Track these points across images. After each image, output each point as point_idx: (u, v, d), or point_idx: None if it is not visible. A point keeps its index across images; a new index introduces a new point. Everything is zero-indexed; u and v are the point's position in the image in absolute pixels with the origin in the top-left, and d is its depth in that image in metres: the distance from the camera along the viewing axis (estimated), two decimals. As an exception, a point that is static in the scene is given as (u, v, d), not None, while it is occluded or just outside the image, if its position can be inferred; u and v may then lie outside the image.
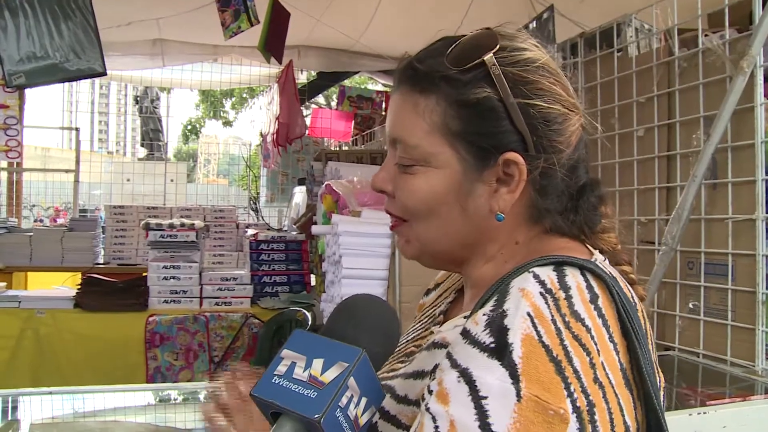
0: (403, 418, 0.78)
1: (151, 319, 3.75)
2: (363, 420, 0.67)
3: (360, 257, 2.35)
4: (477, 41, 0.79)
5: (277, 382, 0.66)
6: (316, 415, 0.62)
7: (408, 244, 0.85)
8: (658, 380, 0.75)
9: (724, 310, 1.90)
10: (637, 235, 2.21)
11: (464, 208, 0.80)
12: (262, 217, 6.66)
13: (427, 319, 0.98)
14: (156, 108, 12.07)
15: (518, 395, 0.61)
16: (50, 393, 1.80)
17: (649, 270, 2.00)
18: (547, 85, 0.79)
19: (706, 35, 1.97)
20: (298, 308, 3.77)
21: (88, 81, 7.33)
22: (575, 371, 0.63)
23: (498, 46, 0.77)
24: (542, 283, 0.67)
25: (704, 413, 1.47)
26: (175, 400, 2.12)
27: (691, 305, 2.02)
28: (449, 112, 0.78)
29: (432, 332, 0.91)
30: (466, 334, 0.67)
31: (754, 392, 1.66)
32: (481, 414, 0.61)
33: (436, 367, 0.74)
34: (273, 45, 4.12)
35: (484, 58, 0.76)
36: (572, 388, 0.63)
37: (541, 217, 0.81)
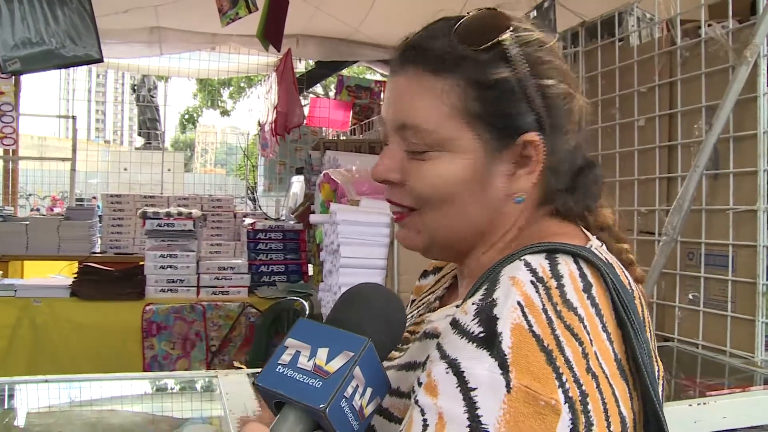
0: (395, 411, 0.77)
1: (148, 308, 3.75)
2: (368, 410, 0.65)
3: (358, 246, 2.34)
4: (489, 20, 0.77)
5: (281, 371, 0.64)
6: (321, 405, 0.61)
7: (418, 234, 0.82)
8: (656, 370, 0.74)
9: (724, 301, 1.90)
10: (637, 225, 2.20)
11: (483, 193, 0.78)
12: (260, 207, 6.65)
13: (423, 305, 0.96)
14: (153, 97, 12.02)
15: (508, 386, 0.60)
16: (46, 381, 1.79)
17: (649, 260, 1.99)
18: (557, 62, 0.79)
19: (709, 25, 1.95)
20: (295, 298, 3.77)
21: (85, 69, 7.31)
22: (567, 361, 0.62)
23: (512, 26, 0.76)
24: (533, 272, 0.66)
25: (704, 404, 1.46)
26: (171, 389, 2.11)
27: (690, 296, 2.01)
28: (470, 93, 0.76)
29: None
30: (455, 324, 0.66)
31: (753, 383, 1.66)
32: (470, 406, 0.60)
33: (428, 358, 0.73)
34: (271, 33, 4.09)
35: (502, 38, 0.75)
36: (564, 378, 0.61)
37: (549, 198, 0.80)
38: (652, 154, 2.15)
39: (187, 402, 2.02)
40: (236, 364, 3.50)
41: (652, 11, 2.30)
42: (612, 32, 2.34)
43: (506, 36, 0.75)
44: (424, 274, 1.06)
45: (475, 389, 0.60)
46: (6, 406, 1.84)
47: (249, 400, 1.52)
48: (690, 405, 1.45)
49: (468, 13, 0.78)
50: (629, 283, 0.74)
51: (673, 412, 1.39)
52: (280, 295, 3.98)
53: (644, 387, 0.70)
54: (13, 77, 3.73)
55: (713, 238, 1.94)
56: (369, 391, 0.65)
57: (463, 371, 0.62)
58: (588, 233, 0.79)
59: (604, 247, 0.78)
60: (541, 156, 0.77)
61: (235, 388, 1.62)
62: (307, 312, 3.53)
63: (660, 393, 0.74)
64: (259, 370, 0.67)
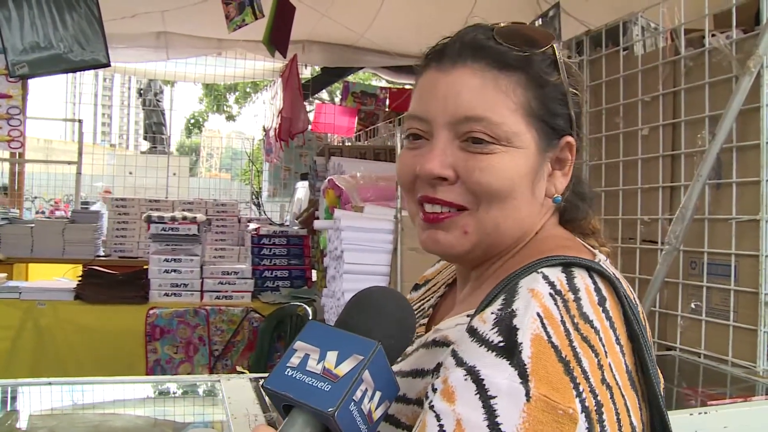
0: (402, 418, 0.77)
1: (151, 311, 3.75)
2: (377, 414, 0.65)
3: (362, 252, 2.35)
4: (535, 29, 0.83)
5: (290, 374, 0.64)
6: (330, 409, 0.61)
7: (465, 235, 0.79)
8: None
9: (726, 311, 1.90)
10: (639, 234, 2.20)
11: (533, 190, 0.80)
12: (264, 212, 6.66)
13: (416, 312, 0.96)
14: (159, 101, 12.05)
15: (527, 395, 0.61)
16: (49, 384, 1.80)
17: (652, 269, 1.99)
18: (581, 76, 0.85)
19: (713, 35, 1.96)
20: (298, 303, 3.77)
21: (92, 73, 7.34)
22: (584, 372, 0.63)
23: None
24: (552, 285, 0.67)
25: (705, 413, 1.46)
26: (174, 393, 2.12)
27: (693, 305, 2.01)
28: (530, 91, 0.79)
29: (421, 325, 0.91)
30: (472, 332, 0.66)
31: (755, 393, 1.65)
32: (490, 413, 0.61)
33: (438, 365, 0.73)
34: (278, 39, 4.11)
35: (555, 45, 0.81)
36: (581, 388, 0.62)
37: (564, 205, 0.85)
38: (656, 163, 2.16)
39: (189, 406, 2.02)
40: (239, 368, 3.50)
41: (656, 21, 2.30)
42: (616, 41, 2.34)
43: (557, 44, 0.81)
44: (416, 287, 1.07)
45: (494, 397, 0.61)
46: (9, 408, 1.85)
47: (251, 404, 1.53)
48: (691, 414, 1.45)
49: (500, 23, 0.82)
50: (634, 297, 0.75)
51: (675, 421, 1.38)
52: (284, 301, 3.98)
53: (653, 397, 0.72)
54: (21, 81, 3.74)
55: (716, 248, 1.94)
56: (378, 395, 0.65)
57: (483, 379, 0.62)
58: (590, 247, 0.81)
59: (608, 261, 0.79)
60: (573, 158, 0.82)
61: (238, 392, 1.63)
62: (310, 317, 3.53)
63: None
64: (261, 374, 0.67)
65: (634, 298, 0.75)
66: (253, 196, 7.71)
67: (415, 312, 0.96)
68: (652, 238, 2.17)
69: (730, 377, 1.80)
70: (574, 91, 0.82)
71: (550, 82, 0.80)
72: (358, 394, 0.63)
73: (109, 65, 3.70)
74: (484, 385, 0.62)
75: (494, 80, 0.78)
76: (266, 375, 0.67)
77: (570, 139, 0.81)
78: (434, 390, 0.65)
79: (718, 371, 1.85)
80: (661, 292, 2.08)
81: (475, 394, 0.62)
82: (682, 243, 1.94)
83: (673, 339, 2.06)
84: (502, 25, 0.81)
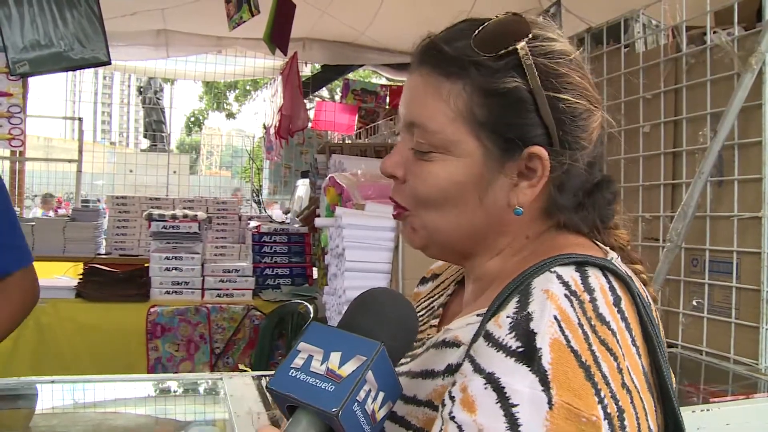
0: (412, 420, 0.75)
1: (152, 309, 3.75)
2: (380, 415, 0.65)
3: (363, 250, 2.34)
4: (509, 27, 0.75)
5: (293, 375, 0.65)
6: (334, 409, 0.61)
7: (415, 233, 0.81)
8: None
9: (728, 308, 1.90)
10: (641, 231, 2.20)
11: (481, 200, 0.77)
12: (265, 210, 6.67)
13: (425, 311, 0.95)
14: (159, 99, 12.01)
15: (550, 403, 0.59)
16: (51, 382, 1.80)
17: (653, 267, 1.99)
18: (576, 79, 0.77)
19: (714, 32, 1.95)
20: (299, 301, 3.77)
21: (92, 71, 7.34)
22: (604, 377, 0.62)
23: (531, 35, 0.75)
24: (566, 285, 0.66)
25: (707, 410, 1.46)
26: (175, 391, 2.12)
27: (694, 302, 2.01)
28: (476, 99, 0.74)
29: (432, 326, 0.89)
30: (488, 336, 0.65)
31: (757, 390, 1.65)
32: (512, 423, 0.59)
33: (448, 367, 0.73)
34: (278, 37, 4.10)
35: (518, 46, 0.73)
36: (602, 394, 0.61)
37: (555, 212, 0.79)
38: (657, 161, 2.16)
39: (191, 404, 2.02)
40: (241, 366, 3.51)
41: (657, 18, 2.30)
42: (618, 38, 2.34)
43: (521, 45, 0.73)
44: (423, 281, 1.06)
45: (516, 405, 0.60)
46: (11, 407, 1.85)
47: (253, 402, 1.53)
48: (693, 411, 1.45)
49: (495, 16, 0.77)
50: (647, 296, 0.74)
51: (677, 418, 1.39)
52: (285, 298, 3.98)
53: (665, 397, 0.71)
54: (21, 79, 3.74)
55: (717, 245, 1.94)
56: (381, 395, 0.65)
57: (504, 387, 0.61)
58: (602, 245, 0.79)
59: (619, 258, 0.77)
60: (546, 171, 0.75)
61: (240, 390, 1.63)
62: (311, 315, 3.53)
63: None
64: (263, 372, 0.67)
65: (647, 297, 0.73)
66: (254, 194, 7.72)
67: (425, 310, 0.95)
68: (654, 235, 2.17)
69: (732, 375, 1.80)
70: (557, 95, 0.74)
71: (504, 89, 0.73)
72: (362, 394, 0.63)
73: (110, 63, 3.70)
74: (505, 393, 0.61)
75: (437, 87, 0.76)
76: (268, 372, 0.67)
77: (536, 149, 0.74)
78: (452, 398, 0.64)
79: (720, 369, 1.85)
80: (662, 289, 2.08)
81: (496, 403, 0.61)
82: (683, 240, 1.93)
83: (675, 336, 2.06)
84: (484, 23, 0.76)
